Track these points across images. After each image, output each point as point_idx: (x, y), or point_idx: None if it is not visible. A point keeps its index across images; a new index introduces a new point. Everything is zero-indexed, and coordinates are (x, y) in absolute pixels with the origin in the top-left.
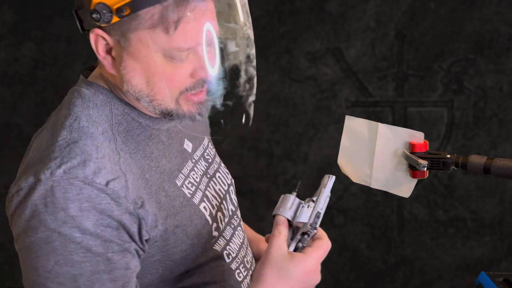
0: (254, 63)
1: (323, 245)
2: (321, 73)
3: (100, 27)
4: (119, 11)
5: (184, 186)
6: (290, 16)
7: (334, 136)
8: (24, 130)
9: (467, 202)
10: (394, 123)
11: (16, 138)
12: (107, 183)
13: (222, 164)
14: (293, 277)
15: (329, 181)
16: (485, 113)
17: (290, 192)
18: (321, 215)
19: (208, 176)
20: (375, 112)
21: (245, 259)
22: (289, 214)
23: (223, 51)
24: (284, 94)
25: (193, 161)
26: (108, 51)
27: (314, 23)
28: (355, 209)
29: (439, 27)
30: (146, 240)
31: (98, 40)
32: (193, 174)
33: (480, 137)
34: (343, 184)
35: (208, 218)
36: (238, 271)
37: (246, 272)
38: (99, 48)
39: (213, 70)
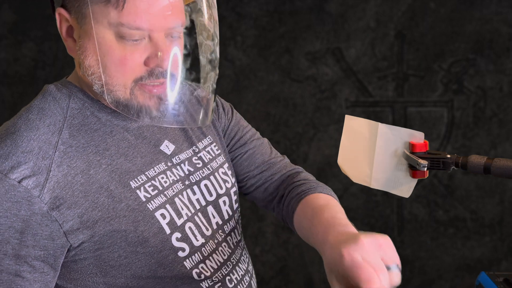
0: (215, 57)
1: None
2: (321, 73)
3: (63, 6)
4: None
5: (141, 188)
6: (290, 16)
7: (334, 136)
8: None
9: (467, 202)
10: (394, 123)
11: None
12: (21, 180)
13: (222, 170)
14: None
15: None
16: (485, 113)
17: None
18: None
19: (186, 183)
20: (375, 112)
21: (228, 277)
22: None
23: (185, 42)
24: (284, 94)
25: (169, 164)
26: (70, 32)
27: (314, 23)
28: (355, 209)
29: (439, 27)
30: (70, 246)
31: (62, 21)
32: (162, 178)
33: (480, 137)
34: (343, 184)
35: (165, 227)
36: None
37: None
38: (63, 29)
39: (169, 60)
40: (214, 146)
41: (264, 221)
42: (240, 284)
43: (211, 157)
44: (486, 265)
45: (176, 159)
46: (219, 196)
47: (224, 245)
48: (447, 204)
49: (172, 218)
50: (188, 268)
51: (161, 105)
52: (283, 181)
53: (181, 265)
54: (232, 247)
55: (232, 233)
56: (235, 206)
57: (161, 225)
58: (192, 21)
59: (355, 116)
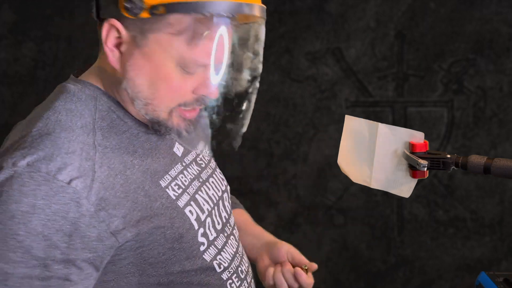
0: (254, 95)
1: None
2: (321, 73)
3: (118, 19)
4: (153, 8)
5: (169, 187)
6: (290, 16)
7: (334, 136)
8: None
9: (467, 202)
10: (394, 123)
11: None
12: (70, 181)
13: (218, 170)
14: None
15: None
16: (485, 113)
17: (290, 192)
18: None
19: (201, 180)
20: (375, 112)
21: (239, 268)
22: None
23: (230, 75)
24: (284, 94)
25: (184, 164)
26: (117, 44)
27: (314, 23)
28: (355, 209)
29: (439, 27)
30: (118, 246)
31: (111, 31)
32: (182, 177)
33: (480, 137)
34: (343, 184)
35: (194, 222)
36: (230, 281)
37: (239, 282)
38: (109, 39)
39: (216, 91)
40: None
41: (264, 221)
42: (248, 275)
43: (208, 159)
44: (486, 265)
45: (186, 160)
46: (223, 192)
47: (232, 238)
48: (447, 204)
49: (198, 214)
50: (209, 261)
51: (190, 128)
52: None
53: (202, 258)
54: (237, 240)
55: (235, 228)
56: (230, 201)
57: (191, 221)
58: (239, 57)
59: (355, 116)
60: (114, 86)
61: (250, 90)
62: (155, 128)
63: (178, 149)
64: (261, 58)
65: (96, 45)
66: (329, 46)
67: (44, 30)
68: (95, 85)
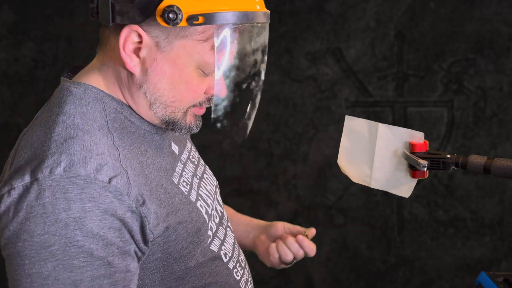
0: (258, 98)
1: None
2: (321, 73)
3: (140, 25)
4: (191, 18)
5: (180, 184)
6: (290, 16)
7: (334, 136)
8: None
9: (467, 202)
10: (394, 123)
11: (16, 138)
12: (109, 180)
13: (207, 167)
14: None
15: None
16: (485, 113)
17: (290, 192)
18: None
19: (198, 177)
20: (375, 112)
21: (240, 257)
22: None
23: (238, 77)
24: (284, 94)
25: (182, 162)
26: (136, 49)
27: (314, 23)
28: (355, 209)
29: (439, 27)
30: (151, 241)
31: (130, 37)
32: (185, 174)
33: (480, 137)
34: (343, 184)
35: (205, 216)
36: (235, 270)
37: (242, 271)
38: (127, 45)
39: (224, 90)
40: (194, 149)
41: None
42: (246, 264)
43: (198, 156)
44: (486, 265)
45: (183, 158)
46: (215, 187)
47: (228, 230)
48: (447, 204)
49: (206, 208)
50: (216, 251)
51: (199, 123)
52: None
53: (210, 250)
54: (232, 232)
55: (228, 220)
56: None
57: (203, 214)
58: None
59: (355, 116)
60: (123, 89)
61: (255, 88)
62: (169, 127)
63: (175, 148)
64: (265, 58)
65: (96, 45)
66: (329, 46)
67: (44, 30)
68: (97, 87)
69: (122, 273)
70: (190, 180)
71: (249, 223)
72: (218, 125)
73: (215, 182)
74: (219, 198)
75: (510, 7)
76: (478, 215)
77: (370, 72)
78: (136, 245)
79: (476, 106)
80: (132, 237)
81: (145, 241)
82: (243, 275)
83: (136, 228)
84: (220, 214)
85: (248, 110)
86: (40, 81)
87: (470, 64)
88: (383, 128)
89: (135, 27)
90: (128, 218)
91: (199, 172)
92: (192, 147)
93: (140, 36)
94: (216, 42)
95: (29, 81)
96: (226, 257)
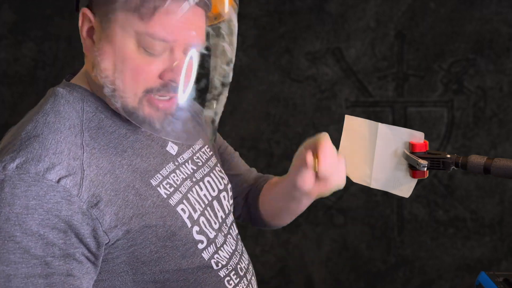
0: (227, 81)
1: None
2: (321, 73)
3: (88, 7)
4: None
5: (160, 186)
6: (290, 16)
7: (334, 136)
8: None
9: (467, 202)
10: (394, 123)
11: None
12: (58, 180)
13: (218, 168)
14: None
15: None
16: (485, 113)
17: None
18: None
19: (193, 180)
20: (375, 112)
21: (239, 266)
22: None
23: (201, 61)
24: (284, 94)
25: (176, 163)
26: (90, 33)
27: (314, 23)
28: (355, 209)
29: (439, 27)
30: (107, 244)
31: (84, 21)
32: (174, 176)
33: (480, 137)
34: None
35: (187, 220)
36: (228, 278)
37: (238, 279)
38: (84, 29)
39: (184, 77)
40: (207, 148)
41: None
42: (248, 272)
43: (206, 157)
44: (486, 265)
45: (180, 159)
46: (220, 191)
47: (229, 237)
48: (447, 204)
49: (190, 213)
50: (207, 259)
51: (165, 120)
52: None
53: (200, 256)
54: (235, 239)
55: (232, 226)
56: (231, 201)
57: (183, 219)
58: (212, 43)
59: (355, 116)
60: (96, 84)
61: (222, 76)
62: (129, 117)
63: (172, 148)
64: (233, 42)
65: None
66: (329, 46)
67: (44, 30)
68: (83, 87)
69: (61, 276)
70: (178, 182)
71: (281, 177)
72: (176, 122)
73: (222, 186)
74: (227, 203)
75: (510, 7)
76: (478, 215)
77: (370, 72)
78: (87, 248)
79: (476, 106)
80: (80, 240)
81: (98, 244)
82: (238, 283)
83: (85, 231)
84: (220, 220)
85: (211, 102)
86: (40, 81)
87: (470, 64)
88: (383, 128)
89: (85, 9)
90: (75, 220)
91: (198, 175)
92: (206, 147)
93: (90, 19)
94: (143, 10)
95: (29, 81)
96: (217, 265)
